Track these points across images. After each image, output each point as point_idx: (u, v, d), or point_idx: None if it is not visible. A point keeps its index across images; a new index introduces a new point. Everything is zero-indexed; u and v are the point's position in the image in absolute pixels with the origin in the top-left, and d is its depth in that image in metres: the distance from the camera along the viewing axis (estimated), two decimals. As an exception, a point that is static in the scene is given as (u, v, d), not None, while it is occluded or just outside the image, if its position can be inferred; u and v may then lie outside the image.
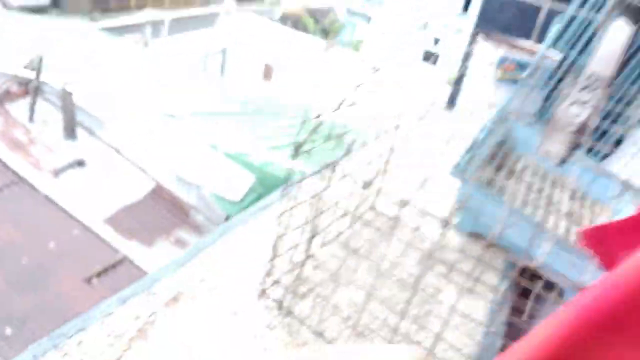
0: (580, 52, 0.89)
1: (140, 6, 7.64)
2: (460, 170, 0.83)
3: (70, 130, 4.75)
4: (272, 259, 0.60)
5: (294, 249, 0.61)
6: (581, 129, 0.73)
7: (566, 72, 0.87)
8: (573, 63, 0.88)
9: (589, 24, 0.86)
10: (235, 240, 0.74)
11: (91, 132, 4.80)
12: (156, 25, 7.63)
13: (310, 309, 0.61)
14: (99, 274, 2.73)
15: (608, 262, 0.46)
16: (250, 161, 3.89)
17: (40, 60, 4.68)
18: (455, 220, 0.89)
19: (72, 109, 4.73)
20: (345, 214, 0.68)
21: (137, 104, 5.27)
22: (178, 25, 7.82)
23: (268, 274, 0.60)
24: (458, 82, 1.36)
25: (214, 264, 0.67)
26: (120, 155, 4.63)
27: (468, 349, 0.58)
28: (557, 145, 0.79)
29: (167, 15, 7.90)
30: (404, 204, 0.51)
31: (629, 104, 0.83)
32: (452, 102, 1.48)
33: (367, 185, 0.63)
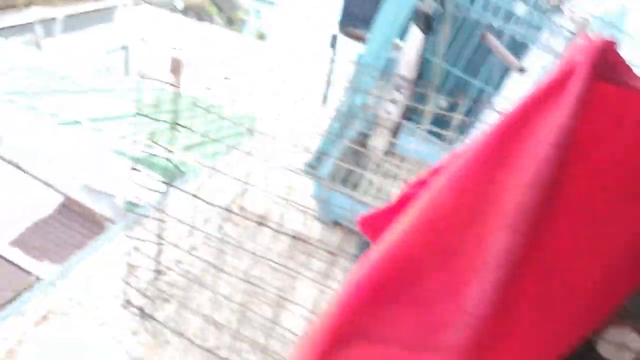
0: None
1: (27, 4, 7.16)
2: (310, 169, 0.93)
3: (-40, 147, 4.44)
4: (130, 270, 0.67)
5: (156, 256, 0.68)
6: (396, 126, 0.85)
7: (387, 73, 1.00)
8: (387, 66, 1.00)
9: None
10: (105, 255, 0.80)
11: (-15, 148, 4.50)
12: (48, 23, 7.18)
13: (172, 312, 0.70)
14: (11, 301, 2.62)
15: (377, 238, 0.57)
16: (158, 162, 3.83)
17: None
18: (314, 212, 0.99)
19: (-40, 123, 4.42)
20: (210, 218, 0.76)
21: (34, 112, 5.01)
22: (72, 22, 7.40)
23: (128, 284, 0.67)
24: (328, 80, 1.46)
25: (84, 281, 0.73)
26: (21, 171, 4.39)
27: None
28: (381, 139, 0.91)
29: (58, 12, 7.45)
30: (263, 219, 0.60)
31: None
32: (325, 99, 1.59)
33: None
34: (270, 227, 0.75)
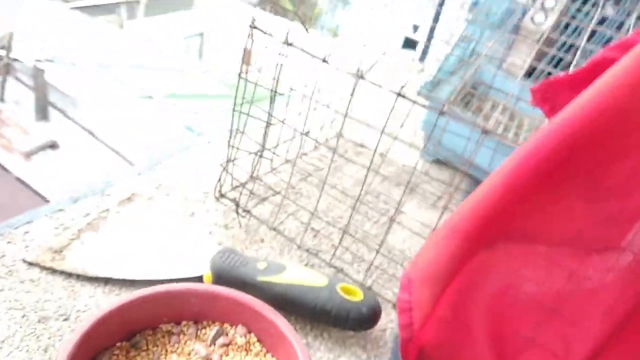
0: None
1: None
2: (428, 89, 0.82)
3: (42, 111, 4.65)
4: (227, 162, 0.58)
5: (253, 155, 0.59)
6: (546, 40, 0.73)
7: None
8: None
9: None
10: (194, 154, 0.72)
11: (64, 113, 4.69)
12: (131, 5, 7.50)
13: (268, 212, 0.60)
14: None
15: (554, 114, 0.46)
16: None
17: (11, 37, 4.56)
18: (422, 147, 0.89)
19: (45, 88, 4.62)
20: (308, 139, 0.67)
21: (112, 85, 5.18)
22: (154, 6, 7.69)
23: (223, 178, 0.59)
24: (431, 30, 1.35)
25: (172, 173, 0.65)
26: (95, 138, 4.54)
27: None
28: (522, 56, 0.79)
29: (141, -4, 7.78)
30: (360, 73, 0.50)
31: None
32: (424, 55, 1.48)
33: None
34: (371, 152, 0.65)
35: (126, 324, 0.41)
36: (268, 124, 0.59)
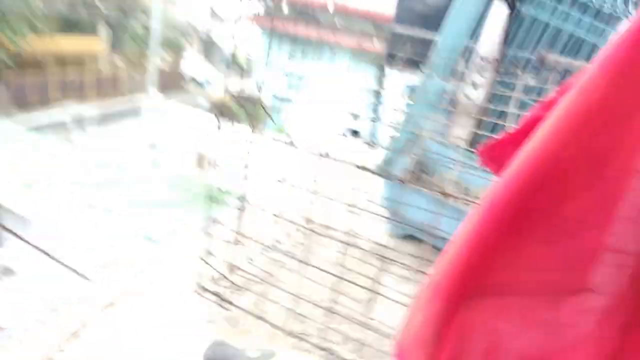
0: (471, 37, 0.96)
1: (60, 102, 7.56)
2: (386, 166, 0.87)
3: (-6, 236, 4.47)
4: (205, 257, 0.60)
5: (228, 247, 0.62)
6: (480, 111, 0.81)
7: (465, 59, 0.95)
8: (466, 51, 0.95)
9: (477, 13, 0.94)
10: (161, 259, 0.73)
11: (18, 236, 4.52)
12: (80, 119, 7.54)
13: (250, 302, 0.61)
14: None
15: (501, 171, 0.50)
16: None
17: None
18: (386, 225, 0.92)
19: (-4, 212, 4.48)
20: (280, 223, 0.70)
21: (67, 200, 5.09)
22: (103, 118, 7.76)
23: (202, 272, 0.60)
24: (374, 117, 1.45)
25: (151, 271, 0.66)
26: (51, 259, 4.35)
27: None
28: (463, 129, 0.86)
29: (90, 109, 7.84)
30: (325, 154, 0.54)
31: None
32: (373, 138, 1.57)
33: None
34: (340, 241, 0.69)
35: None
36: (241, 210, 0.61)
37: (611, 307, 0.47)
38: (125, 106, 9.01)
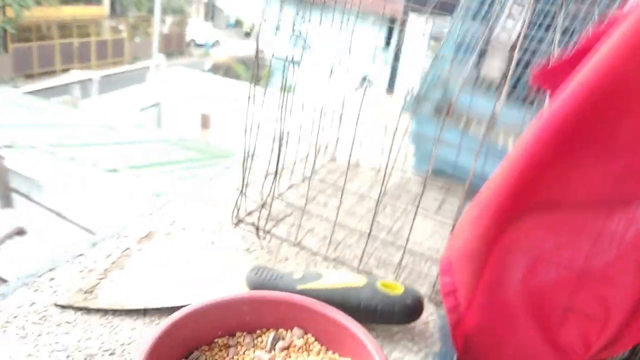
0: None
1: (65, 70, 7.50)
2: (411, 105, 0.86)
3: (5, 198, 4.52)
4: (243, 189, 0.59)
5: (264, 179, 0.61)
6: (515, 45, 0.78)
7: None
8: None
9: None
10: (203, 187, 0.73)
11: (29, 198, 4.57)
12: (84, 84, 7.51)
13: (285, 232, 0.61)
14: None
15: (556, 93, 0.49)
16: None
17: (-36, 127, 4.48)
18: (412, 162, 0.91)
19: (6, 175, 4.52)
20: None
21: (74, 162, 5.10)
22: (108, 83, 7.72)
23: (239, 205, 0.59)
24: (396, 59, 1.42)
25: (182, 210, 0.66)
26: (64, 219, 4.41)
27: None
28: (498, 62, 0.84)
29: (94, 74, 7.79)
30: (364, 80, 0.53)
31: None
32: (391, 83, 1.54)
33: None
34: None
35: (182, 341, 0.41)
36: (280, 144, 0.60)
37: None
38: (130, 71, 8.94)
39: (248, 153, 0.61)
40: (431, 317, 0.56)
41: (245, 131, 0.60)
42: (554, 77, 0.56)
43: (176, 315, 0.40)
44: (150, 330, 0.36)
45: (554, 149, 0.46)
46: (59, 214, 4.61)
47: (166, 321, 0.39)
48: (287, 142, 0.64)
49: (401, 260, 0.59)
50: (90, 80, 7.60)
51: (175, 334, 0.39)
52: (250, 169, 0.61)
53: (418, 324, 0.54)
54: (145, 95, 7.80)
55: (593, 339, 0.53)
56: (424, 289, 0.58)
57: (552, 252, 0.51)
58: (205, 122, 7.67)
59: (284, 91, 0.60)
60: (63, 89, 7.22)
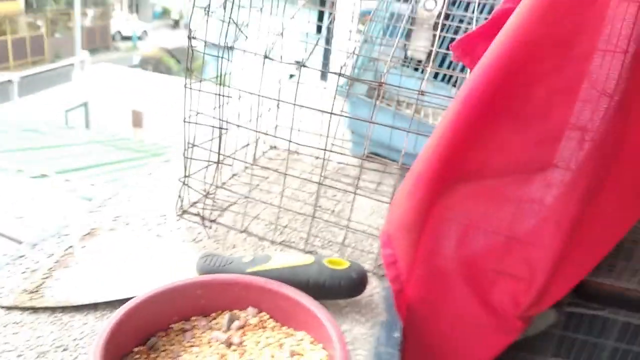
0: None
1: (-19, 72, 7.00)
2: (345, 88, 0.89)
3: None
4: (185, 180, 0.60)
5: (205, 170, 0.62)
6: (437, 23, 0.83)
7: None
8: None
9: None
10: (143, 182, 0.73)
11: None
12: (3, 87, 7.05)
13: (232, 219, 0.62)
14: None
15: (475, 64, 0.53)
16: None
17: None
18: (349, 146, 0.94)
19: None
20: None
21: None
22: (29, 84, 7.29)
23: (182, 196, 0.60)
24: (327, 42, 1.44)
25: (125, 203, 0.65)
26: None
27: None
28: (422, 42, 0.89)
29: (13, 75, 7.33)
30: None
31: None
32: (324, 68, 1.57)
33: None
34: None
35: (138, 329, 0.41)
36: (221, 130, 0.61)
37: (573, 180, 0.51)
38: (52, 70, 8.47)
39: (188, 143, 0.62)
40: (375, 290, 0.59)
41: (185, 120, 0.60)
42: (472, 50, 0.60)
43: (130, 304, 0.41)
44: (104, 322, 0.37)
45: (474, 120, 0.50)
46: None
47: (120, 310, 0.40)
48: (226, 131, 0.64)
49: (344, 239, 0.62)
50: (9, 81, 7.14)
51: (131, 322, 0.40)
52: (191, 159, 0.62)
53: (364, 297, 0.57)
54: (70, 95, 7.42)
55: (521, 297, 0.59)
56: (367, 265, 0.62)
57: (481, 219, 0.56)
58: (137, 121, 7.41)
59: (220, 78, 0.61)
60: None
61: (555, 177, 0.53)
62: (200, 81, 0.61)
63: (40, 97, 7.18)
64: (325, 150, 0.55)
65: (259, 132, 0.60)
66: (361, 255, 0.65)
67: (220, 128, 0.58)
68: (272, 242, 0.64)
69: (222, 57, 0.63)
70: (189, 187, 0.63)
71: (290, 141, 0.62)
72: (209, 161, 0.60)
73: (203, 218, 0.63)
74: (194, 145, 0.60)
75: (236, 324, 0.43)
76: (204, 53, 0.67)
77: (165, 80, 7.99)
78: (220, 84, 0.59)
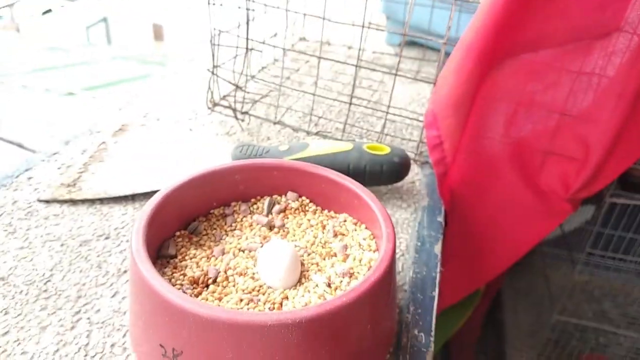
0: None
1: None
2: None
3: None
4: (213, 69, 0.56)
5: (234, 60, 0.57)
6: None
7: None
8: None
9: None
10: (170, 80, 0.70)
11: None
12: (24, 5, 6.96)
13: (264, 112, 0.59)
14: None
15: None
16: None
17: None
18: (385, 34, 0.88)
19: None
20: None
21: (26, 90, 4.85)
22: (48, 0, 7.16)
23: (212, 88, 0.57)
24: None
25: (154, 100, 0.63)
26: (25, 150, 4.26)
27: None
28: None
29: (30, -8, 7.19)
30: None
31: None
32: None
33: None
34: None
35: (179, 212, 0.40)
36: (248, 13, 0.57)
37: (638, 46, 0.46)
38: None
39: (215, 29, 0.58)
40: (417, 177, 0.57)
41: (209, 2, 0.56)
42: None
43: (169, 188, 0.39)
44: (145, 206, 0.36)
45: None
46: (20, 145, 4.45)
47: (159, 193, 0.39)
48: (253, 18, 0.60)
49: (383, 127, 0.59)
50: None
51: (171, 206, 0.39)
52: (219, 45, 0.58)
53: (405, 183, 0.55)
54: (90, 11, 7.26)
55: (572, 179, 0.55)
56: (407, 153, 0.59)
57: (534, 94, 0.51)
58: (158, 34, 7.24)
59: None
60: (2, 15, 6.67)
61: (621, 42, 0.47)
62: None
63: (60, 14, 7.06)
64: (363, 26, 0.50)
65: (288, 12, 0.55)
66: (401, 143, 0.62)
67: (248, 9, 0.53)
68: (308, 132, 0.61)
69: None
70: (218, 77, 0.60)
71: (322, 29, 0.57)
72: (237, 47, 0.56)
73: (235, 110, 0.61)
74: (221, 32, 0.56)
75: (277, 208, 0.42)
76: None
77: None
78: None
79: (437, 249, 0.46)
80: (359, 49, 0.53)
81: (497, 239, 0.59)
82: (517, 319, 1.43)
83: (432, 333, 0.37)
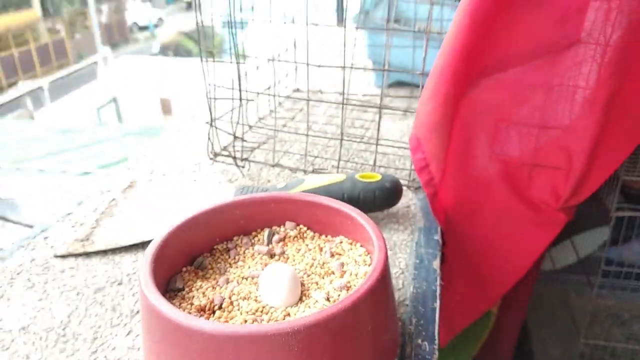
0: None
1: (11, 84, 7.25)
2: (362, 20, 0.87)
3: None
4: (212, 122, 0.61)
5: (231, 112, 0.62)
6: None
7: None
8: None
9: None
10: (173, 138, 0.74)
11: (6, 218, 4.46)
12: (35, 94, 7.28)
13: (264, 157, 0.63)
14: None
15: None
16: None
17: None
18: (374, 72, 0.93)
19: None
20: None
21: (43, 173, 4.99)
22: (58, 87, 7.49)
23: (212, 139, 0.61)
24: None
25: (160, 156, 0.67)
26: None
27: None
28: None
29: (42, 82, 7.54)
30: None
31: None
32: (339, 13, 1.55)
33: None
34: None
35: (183, 249, 0.43)
36: (239, 76, 0.62)
37: (603, 54, 0.49)
38: (77, 70, 8.64)
39: (210, 84, 0.62)
40: (412, 202, 0.59)
41: (203, 61, 0.61)
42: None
43: (173, 226, 0.42)
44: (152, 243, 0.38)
45: (493, 5, 0.48)
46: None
47: (164, 231, 0.41)
48: (246, 74, 0.65)
49: (375, 158, 0.62)
50: (40, 88, 7.36)
51: (175, 243, 0.42)
52: (215, 99, 0.63)
53: (400, 208, 0.57)
54: (99, 93, 7.59)
55: (561, 188, 0.57)
56: (401, 181, 0.61)
57: (511, 111, 0.54)
58: (166, 108, 7.51)
59: (235, 47, 0.61)
60: (15, 104, 6.98)
61: (585, 53, 0.51)
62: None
63: (70, 99, 7.38)
64: (344, 67, 0.54)
65: (278, 76, 0.60)
66: (395, 172, 0.65)
67: (238, 63, 0.58)
68: (305, 171, 0.64)
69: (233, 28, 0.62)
70: (217, 128, 0.64)
71: (308, 78, 0.61)
72: (232, 99, 0.60)
73: (235, 158, 0.64)
74: (216, 87, 0.61)
75: (276, 237, 0.44)
76: (213, 27, 0.67)
77: (187, 64, 8.04)
78: (234, 50, 0.59)
79: (436, 264, 0.48)
80: (343, 85, 0.57)
81: (497, 256, 0.60)
82: (545, 348, 1.39)
83: (436, 342, 0.39)
